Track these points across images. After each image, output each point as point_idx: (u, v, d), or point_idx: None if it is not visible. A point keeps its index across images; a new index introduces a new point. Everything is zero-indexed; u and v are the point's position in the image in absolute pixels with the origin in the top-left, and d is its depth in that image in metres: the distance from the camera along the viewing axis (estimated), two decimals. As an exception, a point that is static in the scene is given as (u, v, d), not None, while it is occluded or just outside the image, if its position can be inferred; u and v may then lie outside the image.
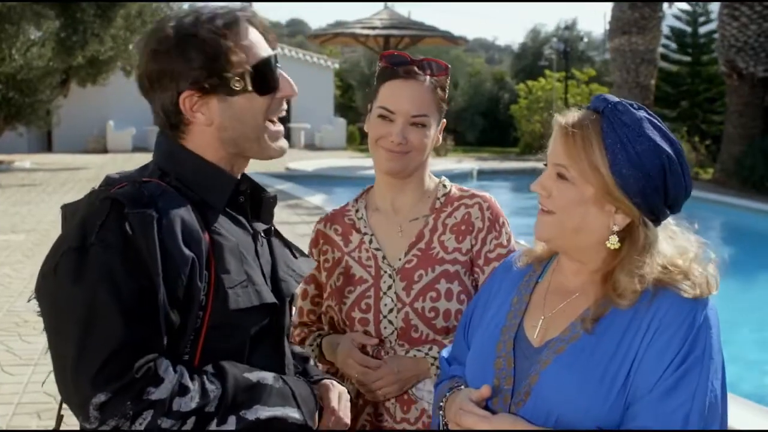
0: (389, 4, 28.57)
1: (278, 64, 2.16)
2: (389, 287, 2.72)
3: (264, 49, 2.13)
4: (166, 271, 1.88)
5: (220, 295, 1.98)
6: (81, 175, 22.07)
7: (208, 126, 2.09)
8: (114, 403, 1.80)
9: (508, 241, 2.77)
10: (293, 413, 2.04)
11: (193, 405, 1.87)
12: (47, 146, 34.19)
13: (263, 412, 1.97)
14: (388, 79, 2.70)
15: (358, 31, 26.24)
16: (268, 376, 2.05)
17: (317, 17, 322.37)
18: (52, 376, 1.94)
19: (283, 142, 2.20)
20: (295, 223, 15.55)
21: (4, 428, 5.92)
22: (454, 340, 2.46)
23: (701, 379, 1.89)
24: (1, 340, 7.96)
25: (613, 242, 2.00)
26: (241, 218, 2.17)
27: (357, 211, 2.86)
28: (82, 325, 1.83)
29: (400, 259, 2.74)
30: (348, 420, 2.30)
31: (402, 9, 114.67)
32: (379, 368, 2.65)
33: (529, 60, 45.12)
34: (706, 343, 1.92)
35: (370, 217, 2.84)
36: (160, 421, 1.82)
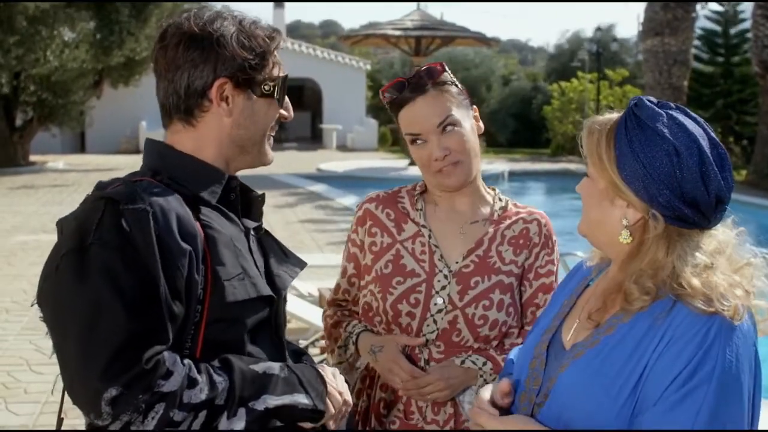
0: (422, 4, 28.57)
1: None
2: (443, 287, 2.71)
3: (284, 68, 2.24)
4: (165, 265, 1.90)
5: (217, 287, 2.00)
6: (112, 175, 21.95)
7: (227, 117, 2.14)
8: (126, 396, 1.80)
9: (557, 259, 2.85)
10: (302, 399, 2.07)
11: (203, 397, 1.89)
12: (80, 147, 34.47)
13: (272, 401, 2.00)
14: (398, 109, 2.74)
15: (390, 32, 26.20)
16: (274, 366, 2.07)
17: (350, 19, 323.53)
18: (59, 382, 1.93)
19: (272, 153, 2.29)
20: (321, 221, 15.58)
21: (30, 428, 5.94)
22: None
23: (708, 398, 1.80)
24: (29, 339, 8.01)
25: (625, 236, 1.98)
26: (232, 215, 2.18)
27: (416, 201, 2.86)
28: (87, 323, 1.83)
29: (457, 262, 2.75)
30: (349, 397, 2.27)
31: (435, 10, 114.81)
32: (429, 375, 2.65)
33: (565, 61, 44.86)
34: (718, 360, 1.82)
35: (429, 212, 2.84)
36: (172, 413, 1.84)
